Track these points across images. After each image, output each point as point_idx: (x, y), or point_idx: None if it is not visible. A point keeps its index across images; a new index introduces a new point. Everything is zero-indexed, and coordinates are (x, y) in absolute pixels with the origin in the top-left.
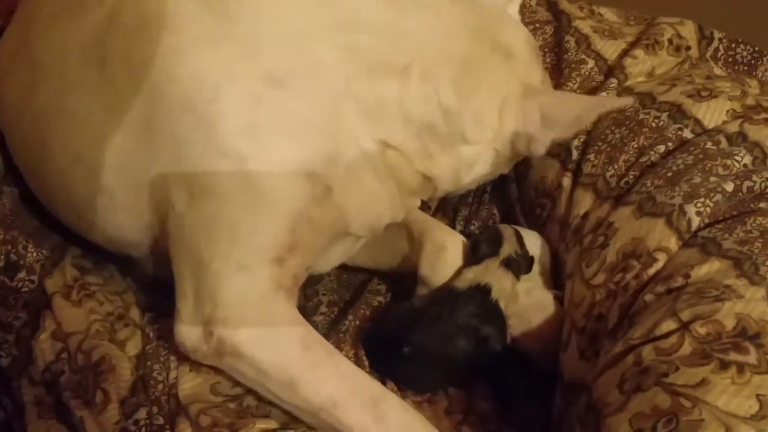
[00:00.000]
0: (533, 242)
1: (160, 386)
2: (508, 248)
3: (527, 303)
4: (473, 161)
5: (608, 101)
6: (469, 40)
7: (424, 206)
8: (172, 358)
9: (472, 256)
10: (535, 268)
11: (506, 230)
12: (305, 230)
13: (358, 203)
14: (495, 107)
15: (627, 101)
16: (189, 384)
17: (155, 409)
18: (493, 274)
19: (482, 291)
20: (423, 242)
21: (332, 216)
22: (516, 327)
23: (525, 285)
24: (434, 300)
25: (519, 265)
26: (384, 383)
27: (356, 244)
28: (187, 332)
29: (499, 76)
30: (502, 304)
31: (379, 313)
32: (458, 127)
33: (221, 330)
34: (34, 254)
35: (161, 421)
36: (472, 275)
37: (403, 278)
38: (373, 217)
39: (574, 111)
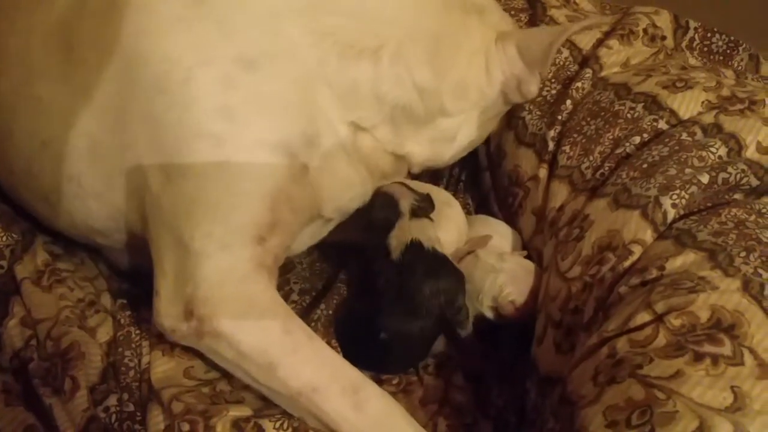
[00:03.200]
0: (504, 232)
1: (132, 373)
2: (405, 203)
3: (509, 267)
4: (454, 133)
5: (576, 25)
6: (441, 10)
7: None
8: (144, 344)
9: (376, 227)
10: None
11: (393, 188)
12: (284, 208)
13: (330, 187)
14: (480, 68)
15: (594, 21)
16: (162, 368)
17: (126, 395)
18: (412, 229)
19: (415, 247)
20: None
21: (308, 196)
22: (509, 269)
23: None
24: (389, 277)
25: (424, 209)
26: None
27: (326, 227)
28: (167, 311)
29: (478, 36)
30: (439, 249)
31: (344, 305)
32: (436, 103)
33: (202, 309)
34: (4, 239)
35: (132, 408)
36: (395, 242)
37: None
38: (345, 201)
39: (545, 40)
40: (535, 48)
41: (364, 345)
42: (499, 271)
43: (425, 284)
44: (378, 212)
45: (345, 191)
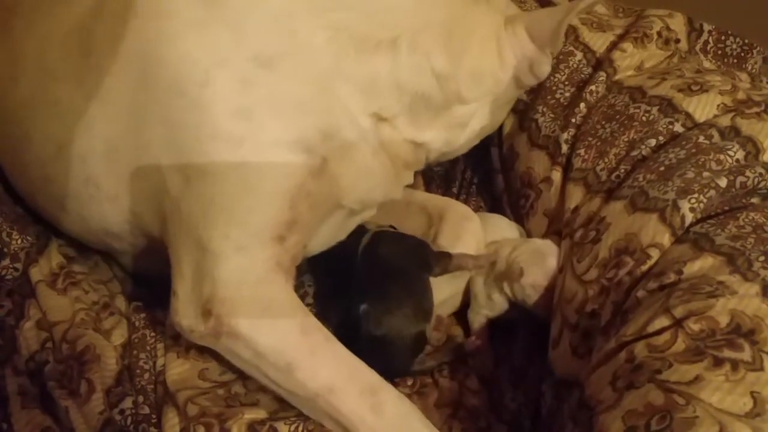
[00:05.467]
0: (504, 226)
1: (147, 375)
2: (372, 224)
3: (527, 249)
4: (467, 120)
5: (583, 2)
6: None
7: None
8: (159, 346)
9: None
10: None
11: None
12: (304, 205)
13: (351, 176)
14: (492, 53)
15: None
16: (177, 370)
17: (141, 398)
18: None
19: (376, 234)
20: (445, 214)
21: (327, 188)
22: (527, 249)
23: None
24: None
25: (385, 226)
26: None
27: (347, 223)
28: (184, 312)
29: (488, 23)
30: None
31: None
32: (453, 90)
33: (220, 310)
34: (19, 241)
35: (147, 410)
36: (364, 241)
37: None
38: (366, 190)
39: (554, 19)
40: (545, 28)
41: (359, 339)
42: (518, 252)
43: (396, 246)
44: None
45: (365, 180)
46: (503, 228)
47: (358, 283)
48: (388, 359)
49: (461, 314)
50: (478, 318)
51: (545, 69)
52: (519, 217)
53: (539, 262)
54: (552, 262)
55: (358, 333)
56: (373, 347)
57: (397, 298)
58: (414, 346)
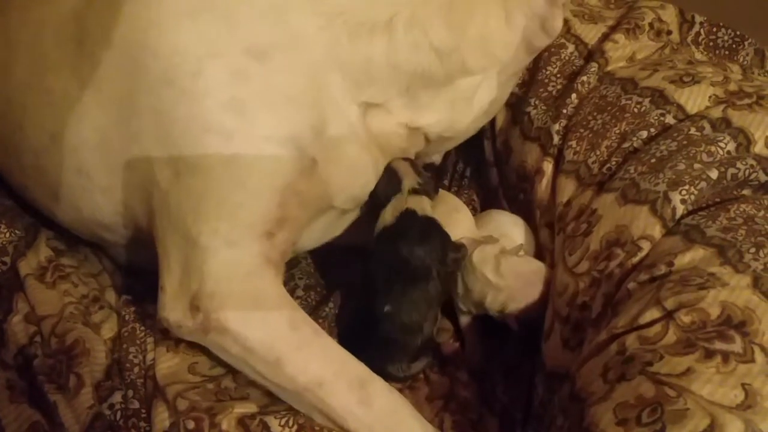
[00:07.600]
0: (517, 226)
1: (136, 369)
2: (407, 182)
3: (513, 261)
4: (472, 92)
5: None
6: None
7: None
8: (149, 340)
9: (375, 201)
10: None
11: (400, 165)
12: (293, 203)
13: (341, 176)
14: (500, 18)
15: None
16: (167, 364)
17: (131, 392)
18: (408, 201)
19: (409, 214)
20: (435, 205)
21: (318, 189)
22: (508, 287)
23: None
24: (381, 253)
25: (425, 191)
26: None
27: (340, 220)
28: (172, 307)
29: None
30: (430, 215)
31: (346, 309)
32: (457, 62)
33: (208, 305)
34: (7, 235)
35: (136, 405)
36: (390, 210)
37: None
38: (357, 189)
39: None
40: None
41: (368, 337)
42: (499, 290)
43: (418, 247)
44: (381, 187)
45: (356, 179)
46: (507, 225)
47: (382, 280)
48: (389, 359)
49: (450, 309)
50: (464, 315)
51: (557, 24)
52: (518, 211)
53: (518, 296)
54: (533, 289)
55: (372, 330)
56: (383, 347)
57: (417, 302)
58: (421, 349)
